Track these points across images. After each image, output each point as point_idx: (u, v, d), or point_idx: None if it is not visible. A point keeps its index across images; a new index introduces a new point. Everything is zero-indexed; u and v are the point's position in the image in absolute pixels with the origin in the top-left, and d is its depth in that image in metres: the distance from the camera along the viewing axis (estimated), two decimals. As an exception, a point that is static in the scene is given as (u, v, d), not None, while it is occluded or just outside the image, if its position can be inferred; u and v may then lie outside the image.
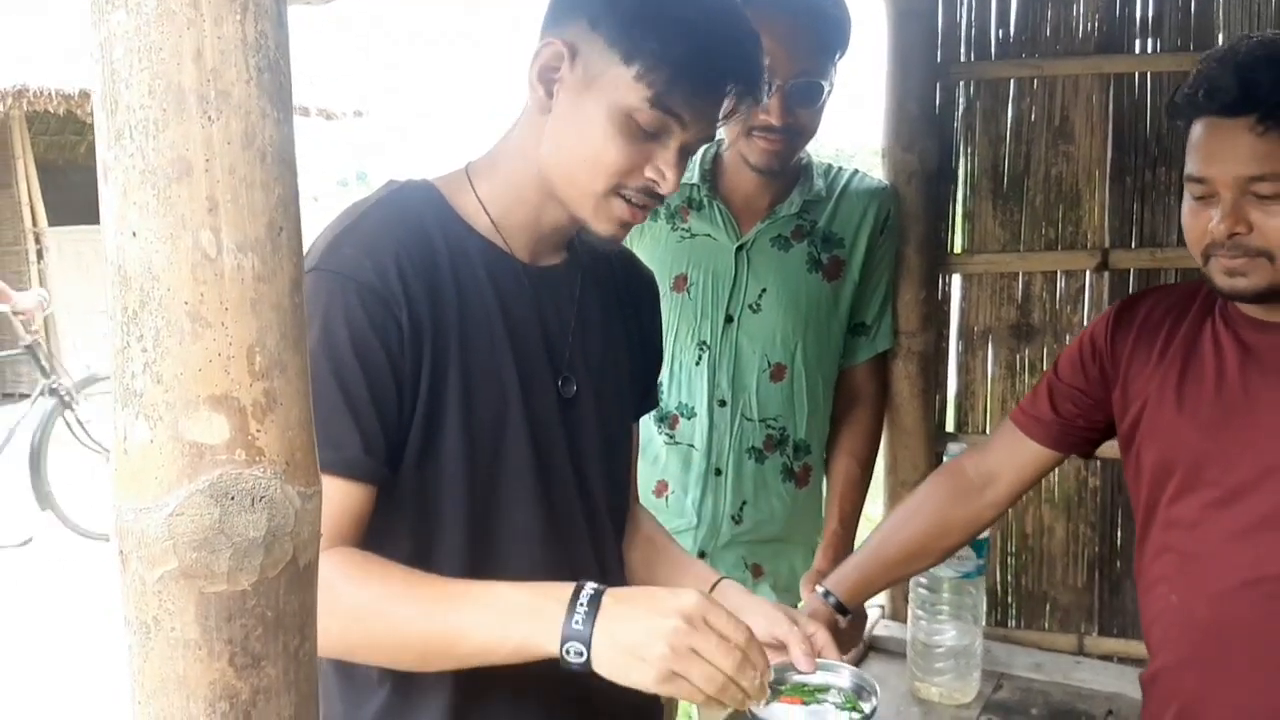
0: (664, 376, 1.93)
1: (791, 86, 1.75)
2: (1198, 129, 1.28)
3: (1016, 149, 2.20)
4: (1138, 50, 2.13)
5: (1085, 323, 2.16)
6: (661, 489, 1.97)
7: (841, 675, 1.25)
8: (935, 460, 2.21)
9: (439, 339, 1.13)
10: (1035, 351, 2.23)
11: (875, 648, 2.09)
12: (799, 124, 1.80)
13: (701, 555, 1.96)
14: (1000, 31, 2.18)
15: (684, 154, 1.16)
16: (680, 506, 1.96)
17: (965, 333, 2.28)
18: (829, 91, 1.81)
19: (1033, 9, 2.16)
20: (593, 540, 1.27)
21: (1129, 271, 2.17)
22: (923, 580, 1.86)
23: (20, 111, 7.94)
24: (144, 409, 0.56)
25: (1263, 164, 1.22)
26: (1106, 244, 2.17)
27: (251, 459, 0.57)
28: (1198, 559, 1.35)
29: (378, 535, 1.11)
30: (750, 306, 1.91)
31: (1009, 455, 1.61)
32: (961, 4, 2.19)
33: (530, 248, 1.23)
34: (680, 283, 1.92)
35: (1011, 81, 2.19)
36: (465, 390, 1.14)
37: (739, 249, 1.90)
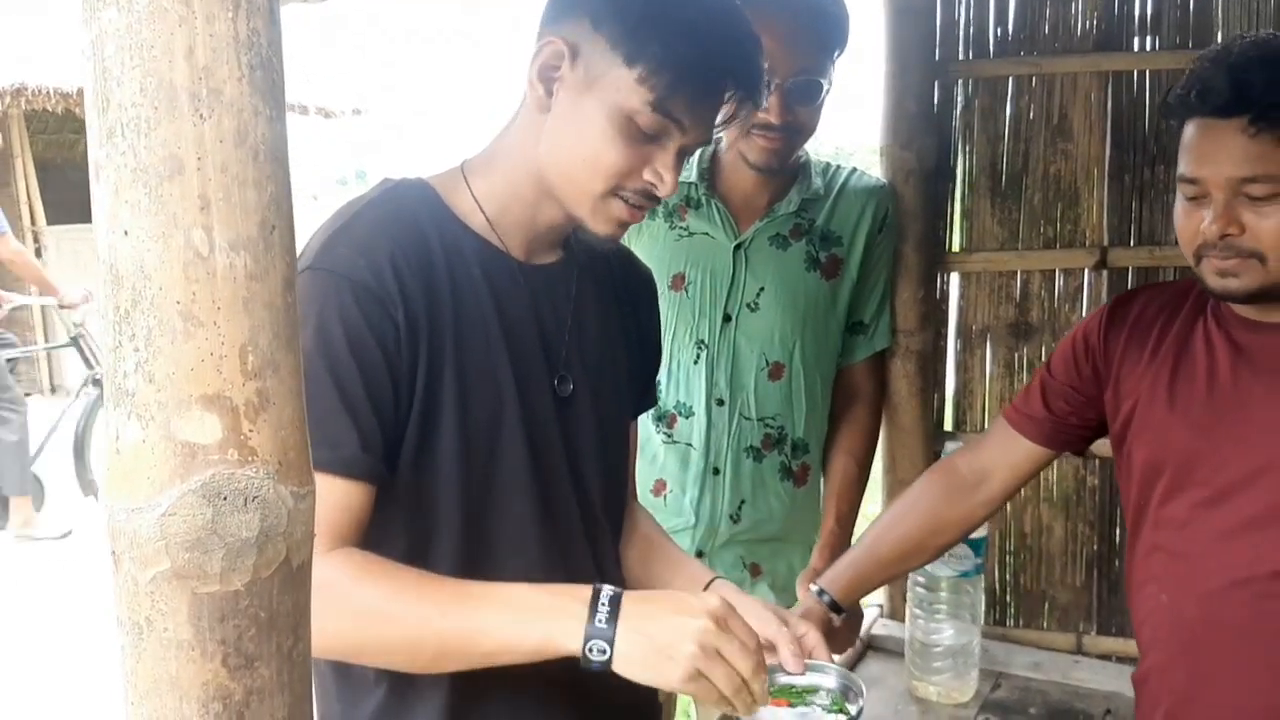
0: (662, 375, 1.93)
1: (791, 85, 1.75)
2: (1190, 130, 1.28)
3: (1015, 147, 2.19)
4: (1136, 48, 2.13)
5: (1084, 321, 2.16)
6: (660, 488, 1.97)
7: (830, 676, 1.25)
8: (933, 459, 2.20)
9: (435, 338, 1.12)
10: (1034, 350, 2.23)
11: (873, 646, 2.09)
12: (798, 122, 1.80)
13: (700, 554, 1.96)
14: (999, 29, 2.18)
15: (681, 156, 1.16)
16: (678, 505, 1.96)
17: (963, 331, 2.28)
18: (828, 90, 1.81)
19: (1031, 7, 2.16)
20: (589, 539, 1.27)
21: (1127, 270, 2.17)
22: (921, 579, 1.86)
23: (19, 110, 7.94)
24: (136, 408, 0.56)
25: (1255, 165, 1.22)
26: (1105, 242, 2.17)
27: (244, 459, 0.57)
28: (1187, 558, 1.35)
29: (372, 535, 1.10)
30: (748, 305, 1.91)
31: (1002, 453, 1.61)
32: (960, 2, 2.18)
33: (526, 246, 1.23)
34: (678, 281, 1.92)
35: (1010, 79, 2.18)
36: (461, 389, 1.14)
37: (737, 248, 1.90)
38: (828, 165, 2.00)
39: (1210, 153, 1.25)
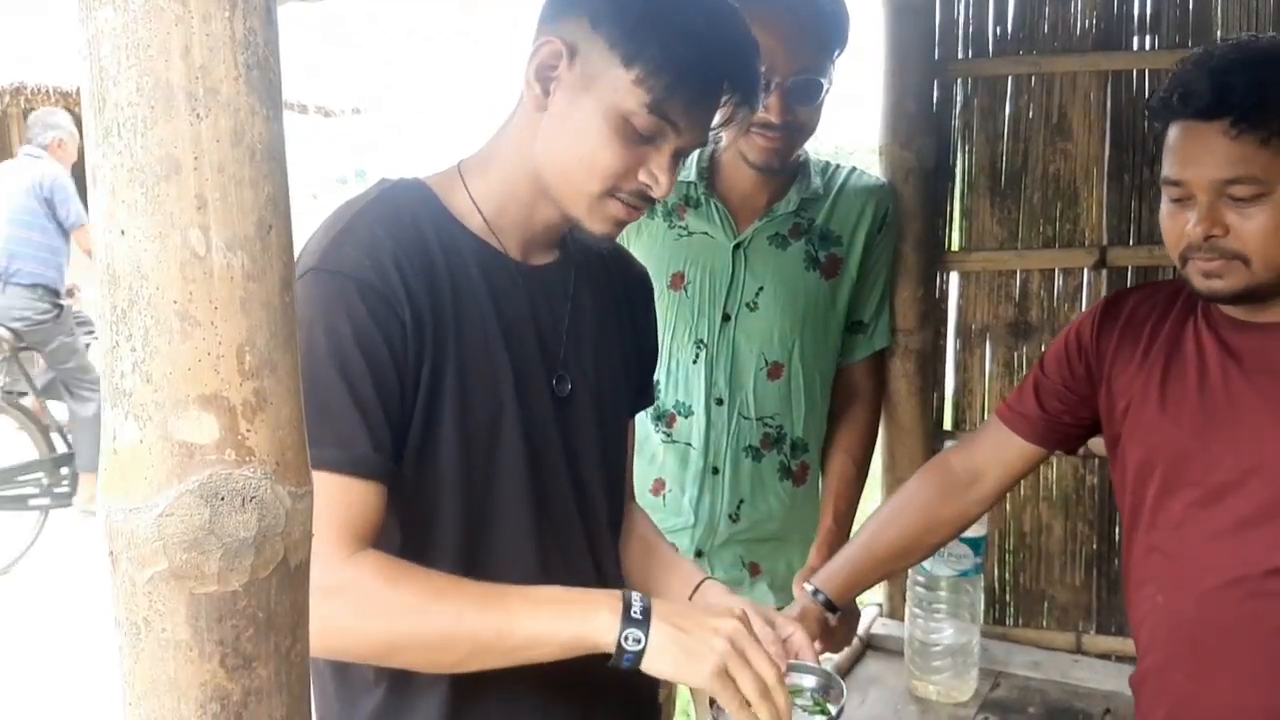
0: (661, 375, 1.93)
1: (791, 84, 1.75)
2: (1173, 133, 1.29)
3: (1014, 146, 2.19)
4: (1136, 47, 2.13)
5: (1084, 321, 2.16)
6: (659, 487, 1.97)
7: (813, 677, 1.25)
8: (932, 458, 2.21)
9: (438, 338, 1.13)
10: (1033, 349, 2.23)
11: (873, 646, 2.09)
12: (798, 121, 1.79)
13: (699, 554, 1.96)
14: (998, 28, 2.18)
15: (677, 158, 1.16)
16: (677, 505, 1.96)
17: (963, 330, 2.28)
18: (828, 89, 1.81)
19: (1030, 6, 2.16)
20: (588, 538, 1.27)
21: (1127, 269, 2.17)
22: (920, 578, 1.86)
23: (18, 109, 7.93)
24: (133, 409, 0.56)
25: (1237, 167, 1.23)
26: (1104, 241, 2.17)
27: (241, 459, 0.57)
28: (1182, 559, 1.36)
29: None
30: (747, 305, 1.91)
31: (995, 451, 1.61)
32: (959, 1, 2.18)
33: (523, 246, 1.23)
34: (677, 281, 1.91)
35: (1009, 78, 2.18)
36: (461, 389, 1.14)
37: (736, 247, 1.90)
38: (827, 164, 2.00)
39: (1193, 155, 1.26)
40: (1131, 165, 2.14)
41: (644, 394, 1.47)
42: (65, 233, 5.38)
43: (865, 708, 1.87)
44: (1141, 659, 1.47)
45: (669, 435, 1.95)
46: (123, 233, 0.55)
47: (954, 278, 2.27)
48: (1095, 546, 2.29)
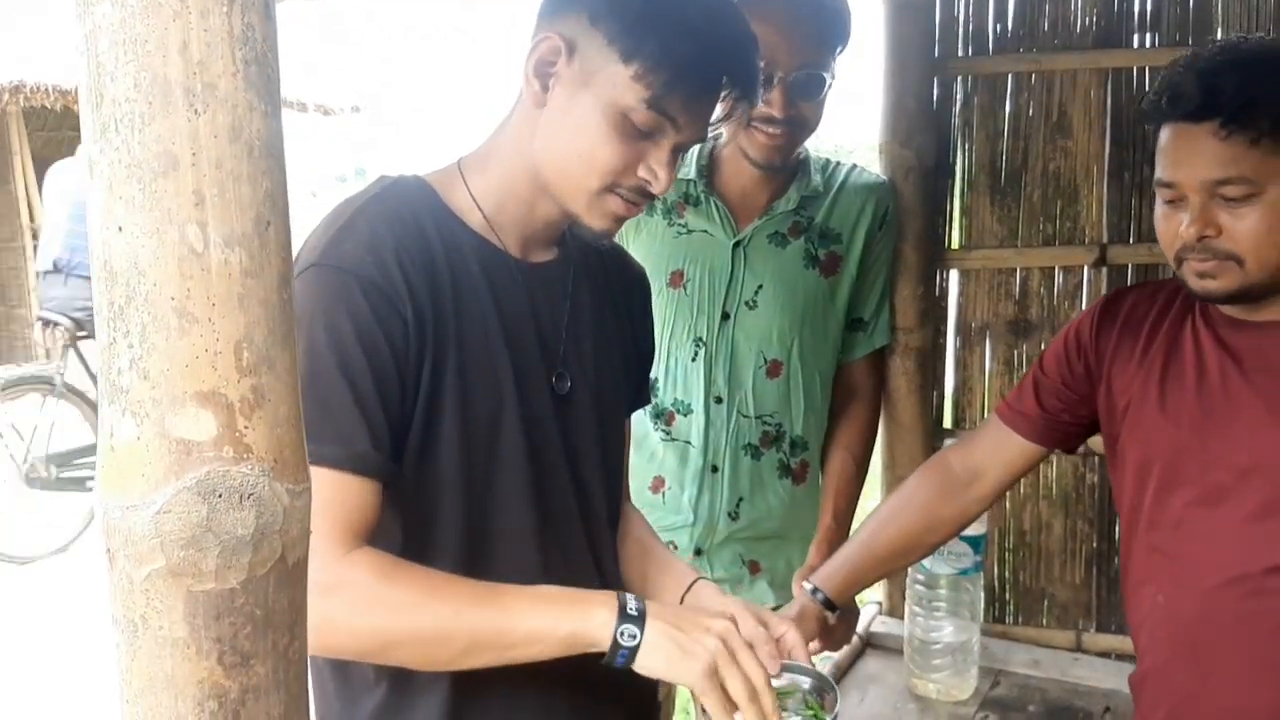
0: (660, 373, 1.92)
1: (794, 79, 1.75)
2: (1165, 134, 1.30)
3: (1014, 144, 2.19)
4: (1136, 45, 2.12)
5: (1084, 319, 2.16)
6: (658, 485, 1.97)
7: (806, 678, 1.25)
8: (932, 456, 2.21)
9: (439, 335, 1.12)
10: (1033, 347, 2.23)
11: (872, 644, 2.09)
12: (800, 116, 1.79)
13: (698, 552, 1.96)
14: (998, 26, 2.18)
15: (677, 153, 1.16)
16: (677, 503, 1.95)
17: (963, 328, 2.28)
18: (830, 84, 1.81)
19: (1031, 3, 2.15)
20: (588, 536, 1.27)
21: (1127, 267, 2.17)
22: (920, 577, 1.86)
23: (17, 107, 7.93)
24: (130, 405, 0.56)
25: (1228, 167, 1.23)
26: (1104, 239, 2.17)
27: (239, 456, 0.57)
28: (1182, 558, 1.36)
29: (372, 533, 1.10)
30: (747, 303, 1.91)
31: (995, 450, 1.61)
32: (959, -2, 2.18)
33: (522, 244, 1.23)
34: (677, 279, 1.91)
35: (1009, 76, 2.18)
36: (462, 387, 1.14)
37: (736, 245, 1.90)
38: (827, 162, 2.00)
39: (1184, 157, 1.27)
40: (1131, 163, 2.13)
41: (641, 393, 1.47)
42: None
43: (865, 706, 1.87)
44: (1141, 659, 1.47)
45: (668, 433, 1.95)
46: (120, 229, 0.55)
47: (954, 275, 2.27)
48: (1095, 545, 2.28)
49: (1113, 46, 2.12)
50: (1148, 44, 2.12)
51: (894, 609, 2.23)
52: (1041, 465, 2.09)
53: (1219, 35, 2.05)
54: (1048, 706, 1.86)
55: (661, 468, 1.97)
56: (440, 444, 1.13)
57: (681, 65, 1.08)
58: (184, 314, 0.55)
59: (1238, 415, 1.31)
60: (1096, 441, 1.60)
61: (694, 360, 1.92)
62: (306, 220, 1.19)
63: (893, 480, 2.24)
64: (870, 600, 2.28)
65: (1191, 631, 1.35)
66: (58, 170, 5.75)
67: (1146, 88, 2.11)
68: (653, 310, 1.47)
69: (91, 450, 5.31)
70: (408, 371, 1.10)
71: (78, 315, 5.40)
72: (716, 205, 1.90)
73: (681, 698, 2.68)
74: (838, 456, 2.00)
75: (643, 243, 1.92)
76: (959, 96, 2.20)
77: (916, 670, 1.89)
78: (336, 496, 1.04)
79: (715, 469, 1.94)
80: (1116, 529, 2.27)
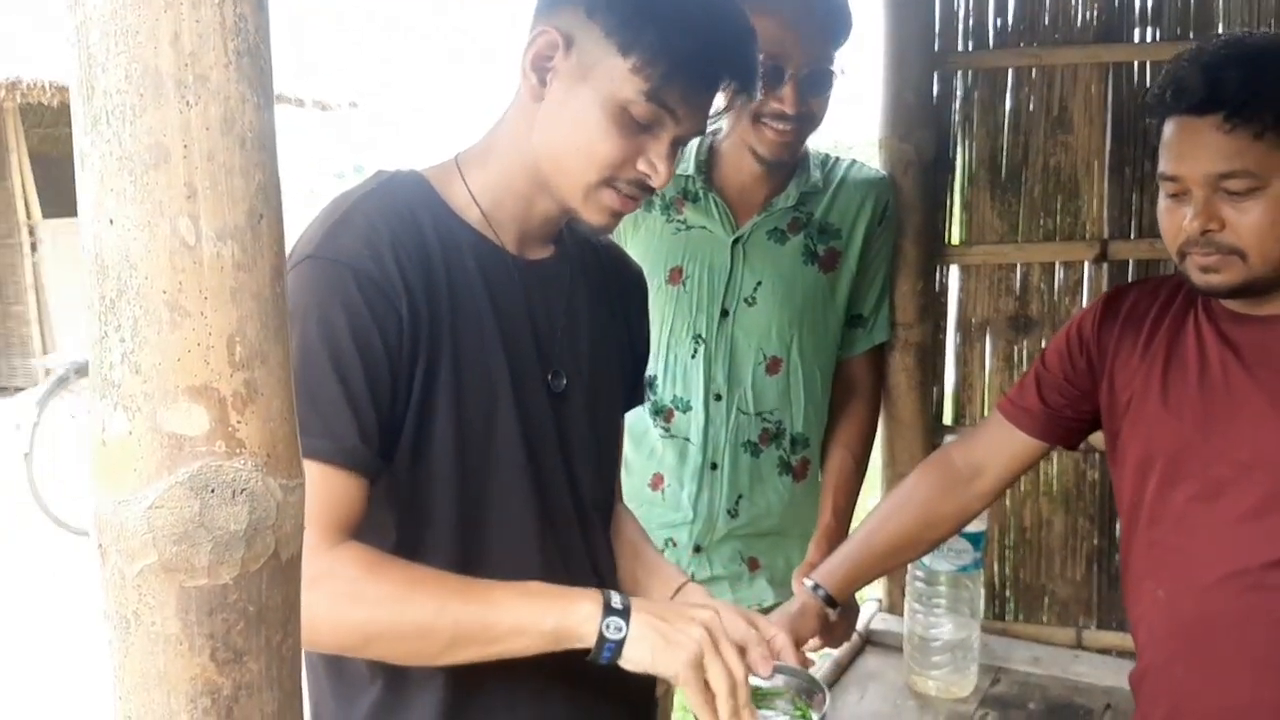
0: (659, 370, 1.92)
1: (804, 75, 1.75)
2: (1169, 128, 1.30)
3: (1014, 139, 2.18)
4: (1137, 39, 2.12)
5: (1084, 315, 2.15)
6: (657, 482, 1.96)
7: (796, 679, 1.25)
8: (932, 453, 2.20)
9: (434, 331, 1.12)
10: (1034, 343, 2.22)
11: (872, 641, 2.09)
12: (810, 112, 1.79)
13: (698, 549, 1.95)
14: (998, 20, 2.17)
15: (676, 146, 1.15)
16: (676, 500, 1.95)
17: (963, 324, 2.27)
18: (837, 78, 1.81)
19: (1031, -2, 2.15)
20: (583, 534, 1.27)
21: (1128, 262, 2.16)
22: (920, 574, 1.85)
23: (14, 103, 7.92)
24: (122, 400, 0.55)
25: (1231, 161, 1.23)
26: (1105, 235, 2.16)
27: (232, 451, 0.56)
28: (1183, 553, 1.36)
29: (365, 531, 1.09)
30: (746, 300, 1.90)
31: (997, 446, 1.61)
32: (959, -8, 2.17)
33: (520, 240, 1.22)
34: (675, 275, 1.91)
35: (1010, 71, 2.17)
36: (456, 383, 1.13)
37: (735, 242, 1.89)
38: (826, 157, 2.00)
39: (1188, 150, 1.27)
40: (1132, 158, 2.13)
41: (636, 392, 1.46)
42: None
43: (864, 703, 1.87)
44: (1141, 656, 1.46)
45: (667, 430, 1.94)
46: (111, 222, 0.54)
47: (954, 271, 2.26)
48: (1095, 542, 2.28)
49: (1113, 41, 2.11)
50: (1149, 39, 2.12)
51: (894, 606, 2.23)
52: (1041, 462, 2.09)
53: (1220, 30, 2.05)
54: (1048, 704, 1.85)
55: (661, 465, 1.96)
56: (434, 441, 1.13)
57: (680, 56, 1.08)
58: (176, 308, 0.55)
59: (1240, 410, 1.31)
60: (1097, 438, 1.60)
61: (693, 357, 1.91)
62: (305, 217, 1.18)
63: (892, 477, 2.23)
64: (870, 597, 2.28)
65: (1191, 627, 1.34)
66: None
67: (1147, 83, 2.11)
68: (650, 309, 1.46)
69: None
70: (401, 367, 1.09)
71: None
72: (715, 202, 1.90)
73: (680, 696, 2.68)
74: (837, 453, 1.99)
75: (641, 239, 1.91)
76: (959, 91, 2.20)
77: (916, 667, 1.88)
78: (323, 490, 1.03)
79: (715, 466, 1.93)
80: (1117, 526, 2.26)
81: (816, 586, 1.62)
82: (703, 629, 1.07)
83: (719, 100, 1.18)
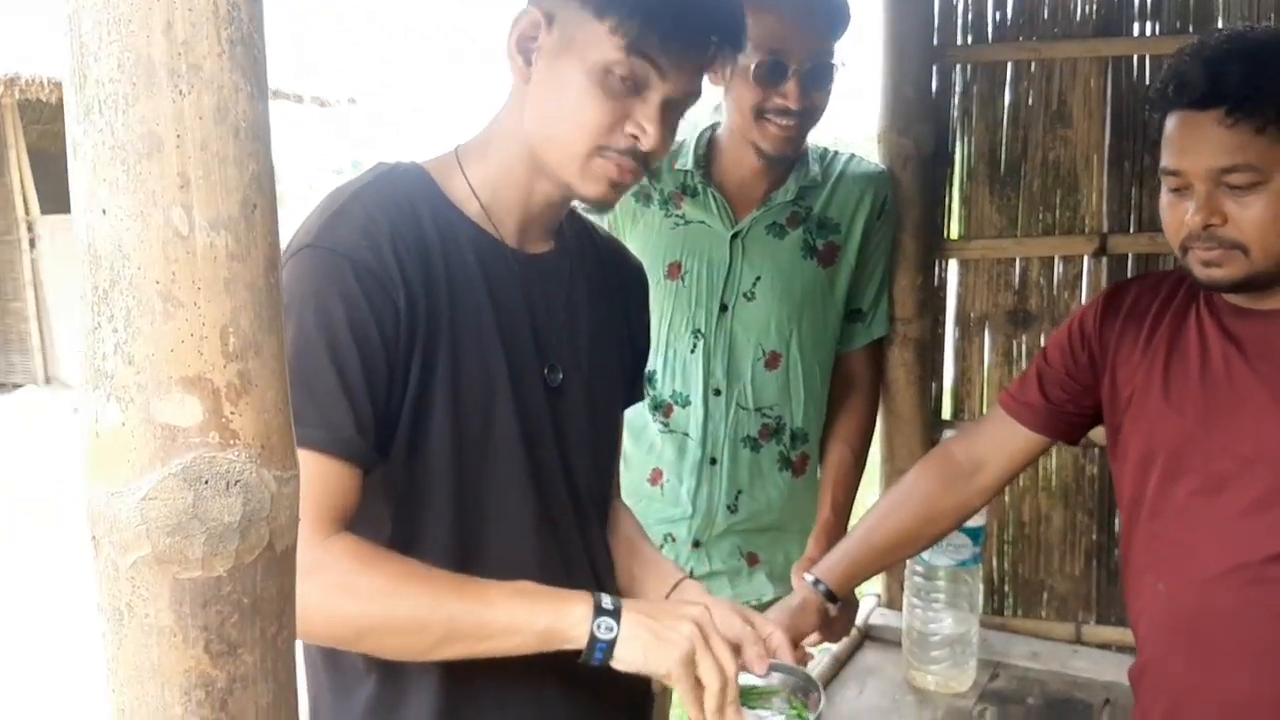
0: (658, 365, 1.92)
1: (807, 69, 1.75)
2: (1171, 123, 1.30)
3: (1013, 133, 2.18)
4: (1136, 33, 2.11)
5: (1083, 309, 2.15)
6: (656, 477, 1.96)
7: (791, 678, 1.24)
8: (931, 448, 2.20)
9: (431, 324, 1.11)
10: (1033, 338, 2.22)
11: (871, 636, 2.09)
12: (813, 106, 1.79)
13: (697, 544, 1.95)
14: (997, 14, 2.16)
15: (667, 110, 1.13)
16: (675, 495, 1.95)
17: (962, 319, 2.27)
18: (839, 71, 1.81)
19: (1030, -9, 2.14)
20: (580, 528, 1.26)
21: (1127, 256, 2.16)
22: (919, 568, 1.85)
23: (12, 100, 7.92)
24: (115, 390, 0.55)
25: (1233, 155, 1.23)
26: (1104, 229, 2.15)
27: (226, 442, 0.56)
28: (1184, 547, 1.36)
29: (362, 525, 1.09)
30: (745, 295, 1.90)
31: (998, 441, 1.61)
32: (958, -14, 2.17)
33: (520, 233, 1.22)
34: (674, 270, 1.90)
35: (1009, 65, 2.16)
36: (454, 376, 1.13)
37: (734, 237, 1.89)
38: (825, 151, 1.99)
39: (1190, 145, 1.27)
40: (1132, 152, 2.12)
41: (635, 388, 1.46)
42: None
43: (863, 698, 1.87)
44: (1141, 650, 1.46)
45: (666, 425, 1.94)
46: (104, 212, 0.54)
47: (953, 266, 2.26)
48: (1095, 537, 2.28)
49: (1113, 35, 2.11)
50: (1148, 32, 2.11)
51: (892, 601, 2.23)
52: (1040, 457, 2.09)
53: (1220, 24, 2.04)
54: (1047, 699, 1.85)
55: (660, 460, 1.96)
56: (431, 435, 1.12)
57: (655, 7, 1.08)
58: (169, 298, 0.54)
59: (1242, 404, 1.31)
60: (1096, 433, 1.60)
61: (692, 352, 1.91)
62: (303, 213, 1.18)
63: (891, 472, 2.23)
64: (869, 592, 2.27)
65: (1192, 621, 1.34)
66: None
67: (1147, 77, 2.10)
68: (650, 305, 1.46)
69: None
70: (397, 360, 1.09)
71: None
72: (714, 196, 1.89)
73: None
74: (836, 448, 1.99)
75: (640, 234, 1.91)
76: (958, 85, 2.19)
77: (915, 662, 1.88)
78: (318, 480, 1.03)
79: (714, 461, 1.93)
80: (1116, 521, 2.26)
81: (817, 581, 1.62)
82: (693, 625, 1.07)
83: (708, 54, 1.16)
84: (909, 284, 2.12)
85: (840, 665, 1.98)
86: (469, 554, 1.15)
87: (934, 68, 2.16)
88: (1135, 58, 2.11)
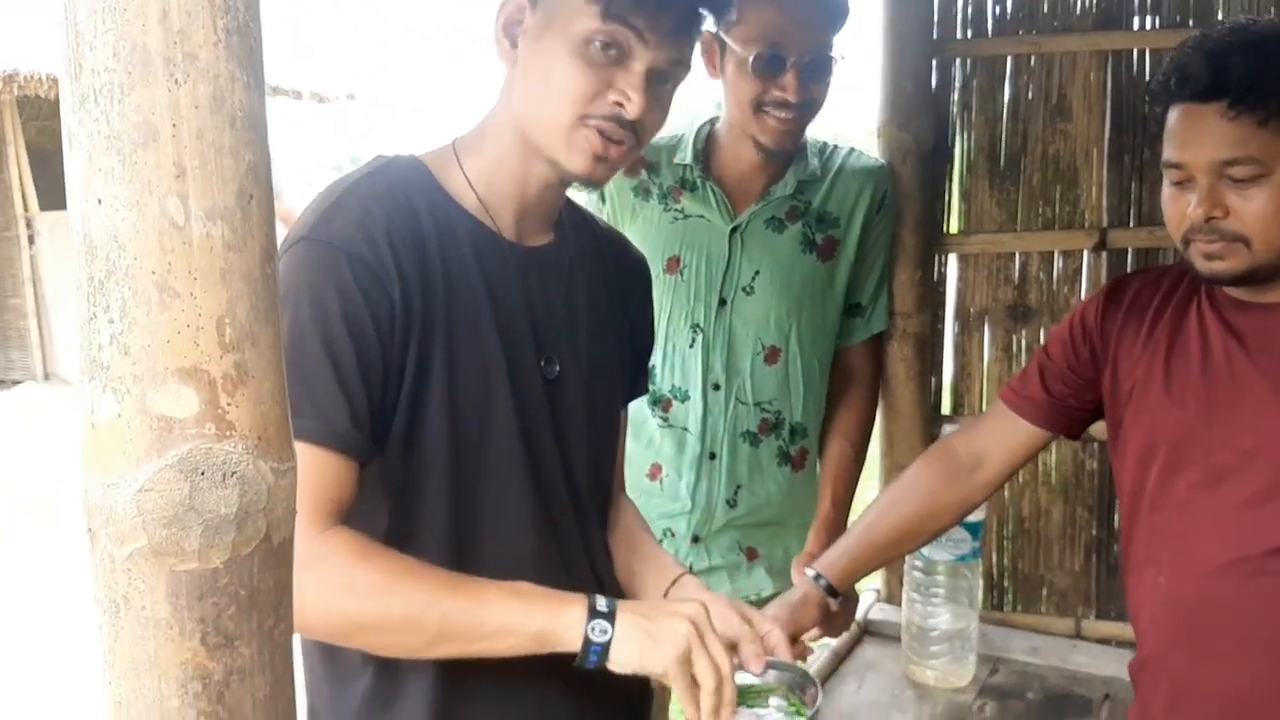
0: (657, 359, 1.91)
1: (806, 62, 1.74)
2: (1173, 115, 1.30)
3: (1013, 127, 2.17)
4: (1136, 27, 2.11)
5: (1083, 304, 2.15)
6: (656, 472, 1.96)
7: (789, 675, 1.24)
8: (931, 442, 2.19)
9: (427, 318, 1.11)
10: (1032, 333, 2.22)
11: (870, 631, 2.09)
12: (812, 99, 1.79)
13: (696, 539, 1.95)
14: (997, 8, 2.16)
15: (654, 80, 1.13)
16: (674, 490, 1.95)
17: (961, 314, 2.26)
18: (838, 63, 1.80)
19: (1030, -15, 2.14)
20: (578, 522, 1.26)
21: (1127, 251, 2.15)
22: (918, 563, 1.85)
23: (11, 96, 7.92)
24: (111, 381, 0.55)
25: (1235, 148, 1.23)
26: (1104, 223, 2.15)
27: (222, 433, 0.56)
28: (1186, 539, 1.36)
29: (358, 519, 1.09)
30: (744, 289, 1.89)
31: (1000, 435, 1.60)
32: (958, -20, 2.16)
33: (518, 225, 1.21)
34: (673, 264, 1.90)
35: (1008, 59, 2.16)
36: (450, 370, 1.13)
37: (733, 231, 1.88)
38: (824, 145, 1.99)
39: (1192, 137, 1.27)
40: (1132, 146, 2.12)
41: (638, 382, 1.46)
42: None
43: (862, 693, 1.87)
44: (1141, 643, 1.46)
45: (665, 420, 1.94)
46: (99, 202, 0.54)
47: (952, 260, 2.26)
48: (1094, 531, 2.28)
49: (1113, 28, 2.10)
50: (1148, 26, 2.11)
51: (892, 596, 2.22)
52: (1040, 452, 2.09)
53: (1220, 18, 2.04)
54: (1046, 694, 1.85)
55: (659, 455, 1.96)
56: (427, 428, 1.12)
57: None
58: (165, 288, 0.54)
59: (1243, 397, 1.31)
60: (1096, 428, 1.59)
61: (691, 347, 1.91)
62: (301, 208, 1.18)
63: (891, 467, 2.23)
64: (868, 587, 2.27)
65: (1192, 613, 1.34)
66: None
67: (1147, 71, 2.10)
68: (652, 300, 1.46)
69: None
70: (392, 353, 1.08)
71: None
72: (713, 190, 1.89)
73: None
74: (835, 443, 1.99)
75: (639, 228, 1.91)
76: (957, 79, 2.19)
77: (914, 657, 1.88)
78: (314, 472, 1.02)
79: (713, 456, 1.93)
80: (1116, 515, 2.26)
81: (818, 576, 1.62)
82: (689, 624, 1.07)
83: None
84: (908, 279, 2.11)
85: (839, 660, 1.98)
86: (466, 547, 1.14)
87: (934, 62, 2.16)
88: (1135, 52, 2.11)
